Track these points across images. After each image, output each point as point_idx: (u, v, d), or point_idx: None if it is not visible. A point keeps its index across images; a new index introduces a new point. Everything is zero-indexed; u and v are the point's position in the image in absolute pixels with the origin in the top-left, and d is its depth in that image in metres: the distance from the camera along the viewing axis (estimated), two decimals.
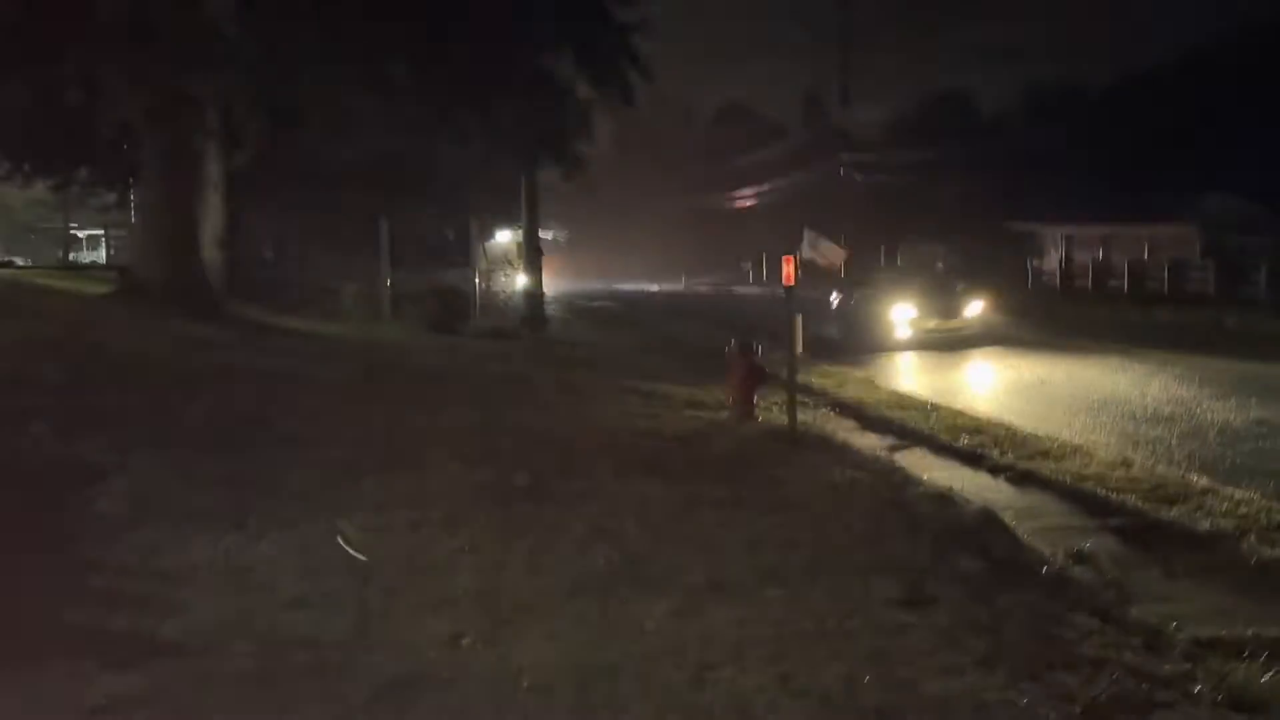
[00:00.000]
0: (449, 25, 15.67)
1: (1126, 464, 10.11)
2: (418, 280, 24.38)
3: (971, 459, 10.56)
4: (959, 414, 12.90)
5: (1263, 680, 5.21)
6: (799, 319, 10.94)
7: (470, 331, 21.28)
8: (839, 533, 7.33)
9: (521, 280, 27.57)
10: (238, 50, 14.03)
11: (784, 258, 11.09)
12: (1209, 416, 12.98)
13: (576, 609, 5.87)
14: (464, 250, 24.21)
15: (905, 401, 14.04)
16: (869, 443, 11.18)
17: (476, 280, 24.05)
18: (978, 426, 11.99)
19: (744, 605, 5.91)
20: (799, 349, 11.06)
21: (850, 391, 14.92)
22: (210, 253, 21.06)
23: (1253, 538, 7.72)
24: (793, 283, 10.97)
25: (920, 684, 4.98)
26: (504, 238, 39.72)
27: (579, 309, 35.61)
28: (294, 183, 27.25)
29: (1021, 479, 9.74)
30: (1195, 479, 9.46)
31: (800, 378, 11.85)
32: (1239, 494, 8.84)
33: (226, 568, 6.37)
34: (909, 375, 18.29)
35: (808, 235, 30.32)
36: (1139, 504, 8.68)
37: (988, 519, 7.78)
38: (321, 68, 14.95)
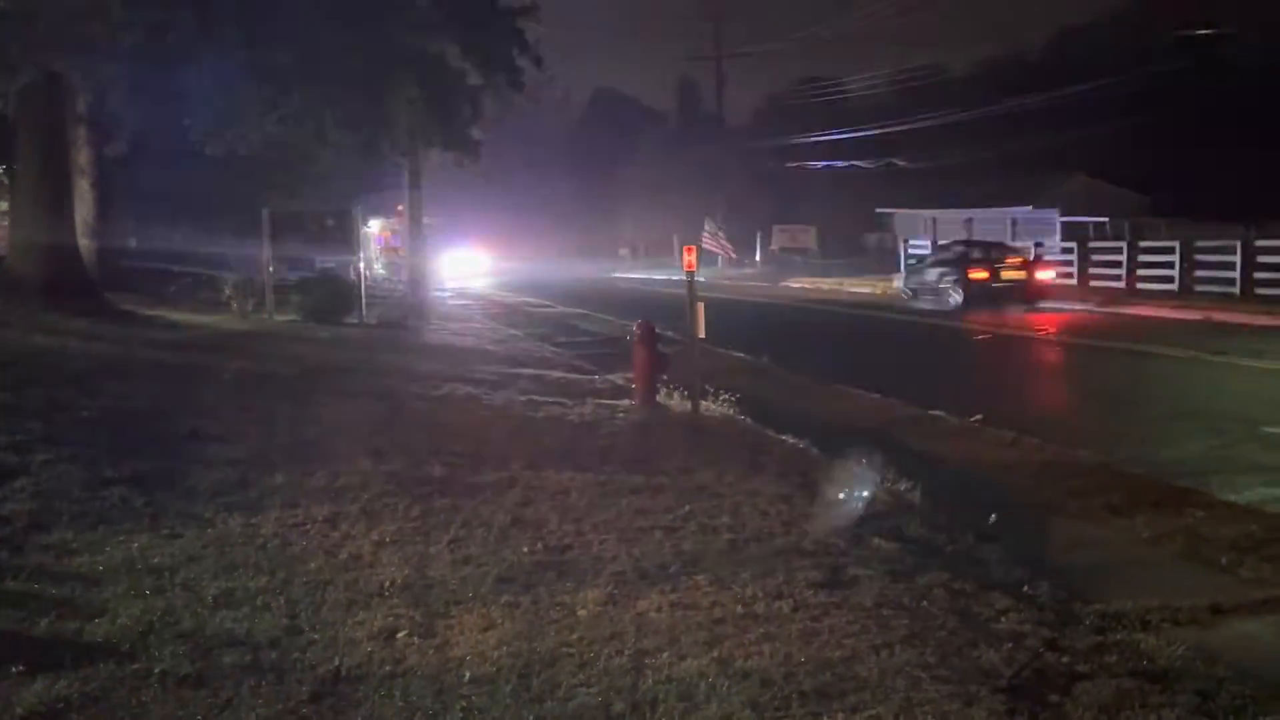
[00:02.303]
0: (336, 10, 15.43)
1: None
2: (300, 270, 23.97)
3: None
4: None
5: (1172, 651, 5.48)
6: (700, 305, 11.06)
7: (357, 322, 21.00)
8: (755, 518, 7.47)
9: (403, 268, 27.33)
10: (120, 34, 13.63)
11: (685, 246, 11.22)
12: None
13: (508, 599, 5.90)
14: (347, 239, 23.79)
15: None
16: (771, 427, 11.34)
17: (361, 269, 23.69)
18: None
19: (673, 592, 6.01)
20: (701, 334, 11.18)
21: None
22: (84, 242, 20.47)
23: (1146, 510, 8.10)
24: (694, 269, 11.13)
25: (853, 663, 5.13)
26: (379, 225, 39.31)
27: (464, 295, 35.39)
28: (166, 169, 26.56)
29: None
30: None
31: None
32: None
33: (145, 568, 6.24)
34: None
35: (709, 224, 30.97)
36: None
37: (898, 501, 8.01)
38: (206, 54, 14.62)
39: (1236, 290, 27.80)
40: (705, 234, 30.94)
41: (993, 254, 28.76)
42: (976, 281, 27.05)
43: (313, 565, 6.41)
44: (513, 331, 22.63)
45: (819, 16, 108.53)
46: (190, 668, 5.01)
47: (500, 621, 5.61)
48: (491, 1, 18.91)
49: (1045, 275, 28.83)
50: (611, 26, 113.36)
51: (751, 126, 70.31)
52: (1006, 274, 27.59)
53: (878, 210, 51.79)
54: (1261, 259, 28.05)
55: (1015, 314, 25.89)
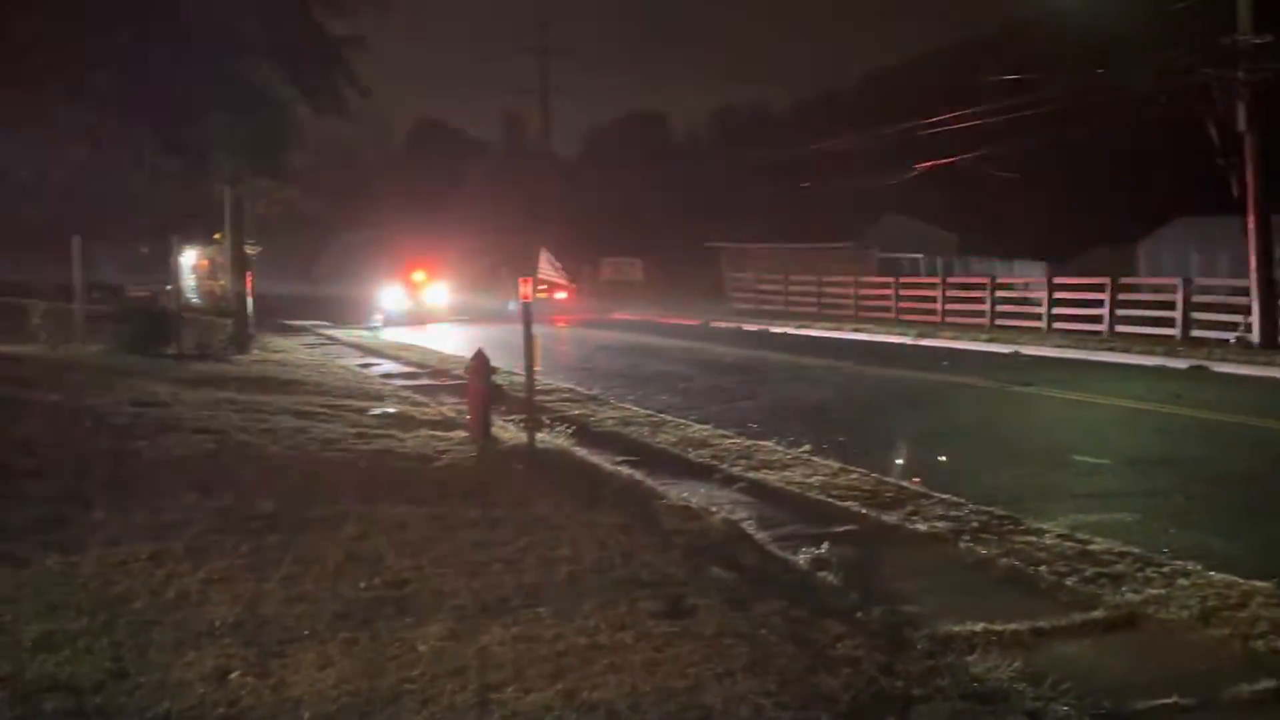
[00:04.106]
0: (154, 35, 14.94)
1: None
2: (114, 299, 23.09)
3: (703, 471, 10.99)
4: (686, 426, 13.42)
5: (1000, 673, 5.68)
6: (537, 337, 11.06)
7: (175, 352, 20.31)
8: (594, 549, 7.47)
9: (222, 296, 26.63)
10: None
11: (520, 278, 11.21)
12: None
13: (345, 636, 5.77)
14: (163, 267, 23.08)
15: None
16: (606, 458, 11.38)
17: (180, 298, 22.97)
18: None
19: (515, 625, 5.96)
20: (537, 365, 11.18)
21: None
22: None
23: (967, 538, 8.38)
24: (529, 300, 11.13)
25: (698, 692, 5.17)
26: (195, 253, 38.25)
27: (283, 326, 34.53)
28: None
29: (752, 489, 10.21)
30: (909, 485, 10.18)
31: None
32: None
33: None
34: None
35: (545, 256, 31.21)
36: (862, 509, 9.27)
37: (733, 531, 8.11)
38: (21, 74, 13.98)
39: (1044, 325, 29.08)
40: (543, 265, 31.57)
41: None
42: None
43: (137, 605, 6.18)
44: (341, 362, 22.20)
45: (648, 51, 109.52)
46: (9, 715, 4.77)
47: (338, 659, 5.48)
48: (318, 30, 18.58)
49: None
50: (437, 57, 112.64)
51: (579, 158, 70.74)
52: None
53: (706, 244, 52.61)
54: (1059, 295, 29.65)
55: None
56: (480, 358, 11.36)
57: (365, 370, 20.64)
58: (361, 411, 13.55)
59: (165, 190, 27.92)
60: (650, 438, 12.78)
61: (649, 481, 9.88)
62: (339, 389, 16.25)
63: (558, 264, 32.86)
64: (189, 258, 36.36)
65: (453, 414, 13.55)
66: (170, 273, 23.94)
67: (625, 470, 10.31)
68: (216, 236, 34.22)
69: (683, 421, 14.02)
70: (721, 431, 13.21)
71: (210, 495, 8.53)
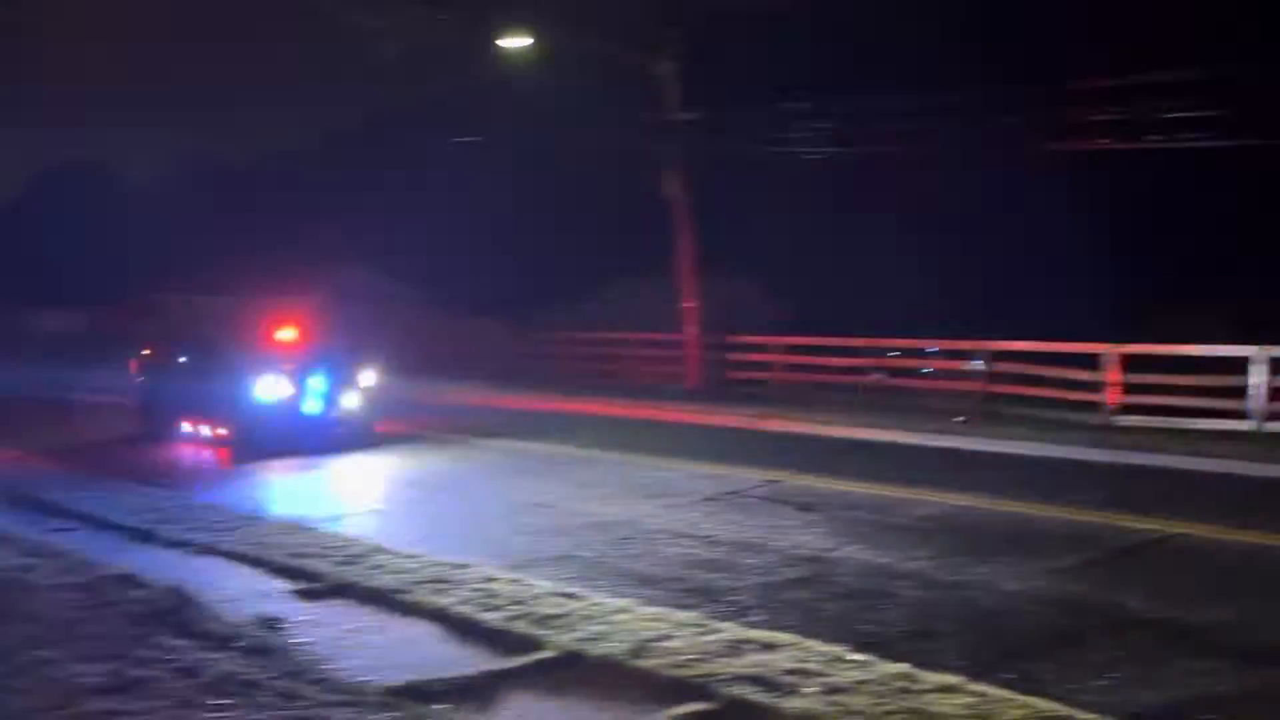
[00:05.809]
0: None
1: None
2: None
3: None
4: None
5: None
6: None
7: None
8: (25, 623, 6.91)
9: None
10: None
11: None
12: None
13: None
14: None
15: None
16: (37, 529, 10.48)
17: None
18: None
19: None
20: None
21: None
22: None
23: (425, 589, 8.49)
24: None
25: None
26: None
27: None
28: None
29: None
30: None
31: None
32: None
33: None
34: None
35: None
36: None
37: (181, 596, 7.75)
38: None
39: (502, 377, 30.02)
40: None
41: None
42: None
43: None
44: None
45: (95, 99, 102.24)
46: None
47: None
48: None
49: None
50: None
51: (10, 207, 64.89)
52: None
53: (149, 296, 49.97)
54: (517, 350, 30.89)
55: None
56: None
57: None
58: None
59: None
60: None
61: (86, 550, 9.22)
62: None
63: None
64: None
65: None
66: None
67: (57, 539, 9.57)
68: None
69: (139, 488, 13.15)
70: (165, 491, 12.55)
71: None
